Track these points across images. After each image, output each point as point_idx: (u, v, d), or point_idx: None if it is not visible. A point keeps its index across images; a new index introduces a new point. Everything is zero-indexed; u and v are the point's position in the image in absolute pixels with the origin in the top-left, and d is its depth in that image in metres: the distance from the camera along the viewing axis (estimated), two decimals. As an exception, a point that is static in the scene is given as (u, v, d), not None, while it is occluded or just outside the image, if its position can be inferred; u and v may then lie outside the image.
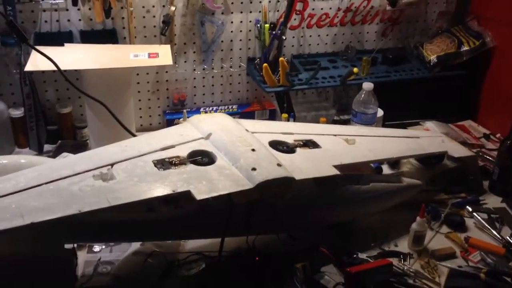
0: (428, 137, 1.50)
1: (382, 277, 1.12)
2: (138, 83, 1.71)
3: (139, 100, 1.73)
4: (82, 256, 1.18)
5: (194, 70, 1.75)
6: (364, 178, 1.26)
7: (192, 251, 1.19)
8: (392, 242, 1.27)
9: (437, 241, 1.29)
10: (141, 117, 1.76)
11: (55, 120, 1.65)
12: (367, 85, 1.59)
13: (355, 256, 1.19)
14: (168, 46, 1.54)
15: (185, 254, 1.19)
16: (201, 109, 1.78)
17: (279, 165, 1.04)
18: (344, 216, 1.29)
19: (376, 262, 1.16)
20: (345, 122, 1.77)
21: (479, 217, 1.36)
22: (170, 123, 1.70)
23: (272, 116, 1.83)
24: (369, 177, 1.30)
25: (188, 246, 1.22)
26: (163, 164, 1.01)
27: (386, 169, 1.52)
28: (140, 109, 1.74)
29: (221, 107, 1.81)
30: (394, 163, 1.53)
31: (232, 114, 1.70)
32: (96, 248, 1.21)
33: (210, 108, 1.79)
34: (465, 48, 1.80)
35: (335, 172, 1.11)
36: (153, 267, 1.15)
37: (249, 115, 1.80)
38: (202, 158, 1.05)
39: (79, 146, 1.61)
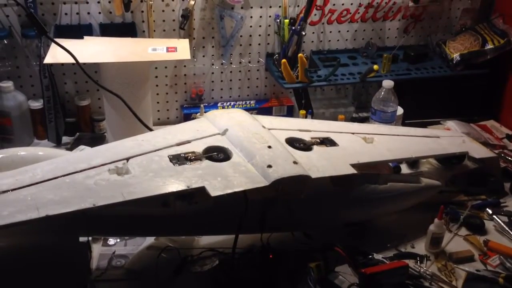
0: (449, 137, 1.47)
1: (398, 279, 1.10)
2: (156, 77, 1.71)
3: (157, 94, 1.73)
4: (97, 249, 1.19)
5: (213, 64, 1.74)
6: (381, 178, 1.24)
7: (206, 247, 1.19)
8: (409, 244, 1.25)
9: (455, 244, 1.26)
10: (158, 111, 1.76)
11: (73, 112, 1.66)
12: (387, 83, 1.56)
13: (370, 256, 1.17)
14: (186, 41, 1.53)
15: (199, 250, 1.18)
16: (219, 104, 1.78)
17: (295, 162, 1.03)
18: (361, 215, 1.27)
19: (392, 263, 1.14)
20: (364, 120, 1.75)
21: (499, 220, 1.33)
22: (187, 117, 1.71)
23: (290, 113, 1.82)
24: (387, 176, 1.28)
25: (202, 242, 1.22)
26: (178, 160, 1.01)
27: (404, 169, 1.49)
28: (158, 103, 1.75)
29: (239, 102, 1.80)
30: (413, 162, 1.50)
31: (249, 110, 1.70)
32: (111, 241, 1.22)
33: (228, 103, 1.79)
34: (489, 46, 1.76)
35: (352, 171, 1.10)
36: (167, 262, 1.14)
37: (267, 111, 1.79)
38: (217, 154, 1.04)
39: (97, 139, 1.62)
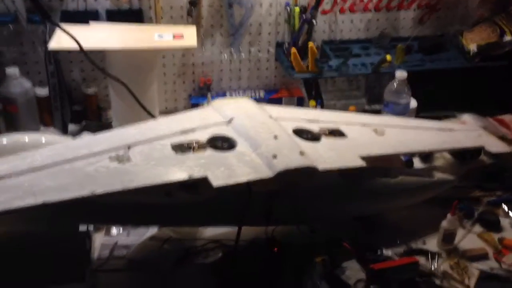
0: (464, 131, 1.42)
1: (407, 276, 1.06)
2: (164, 65, 1.68)
3: (165, 83, 1.71)
4: (99, 238, 1.17)
5: (221, 53, 1.71)
6: (392, 171, 1.20)
7: (209, 238, 1.17)
8: (420, 240, 1.22)
9: (468, 241, 1.22)
10: (166, 100, 1.73)
11: (80, 100, 1.64)
12: (400, 74, 1.52)
13: (379, 252, 1.14)
14: (193, 27, 1.50)
15: (202, 241, 1.16)
16: (227, 94, 1.75)
17: (301, 153, 0.99)
18: (370, 209, 1.23)
19: (402, 259, 1.11)
20: (376, 113, 1.70)
21: (515, 217, 1.29)
22: (195, 107, 1.68)
23: (300, 103, 1.77)
24: (398, 170, 1.24)
25: (206, 234, 1.19)
26: (181, 148, 0.98)
27: (417, 163, 1.45)
28: (165, 92, 1.72)
29: (247, 92, 1.77)
30: (426, 156, 1.46)
31: (258, 100, 1.66)
32: (114, 231, 1.20)
33: (237, 93, 1.75)
34: (508, 38, 1.70)
35: (361, 163, 1.06)
36: (169, 253, 1.13)
37: (277, 102, 1.75)
38: (222, 143, 1.01)
39: (103, 127, 1.59)
